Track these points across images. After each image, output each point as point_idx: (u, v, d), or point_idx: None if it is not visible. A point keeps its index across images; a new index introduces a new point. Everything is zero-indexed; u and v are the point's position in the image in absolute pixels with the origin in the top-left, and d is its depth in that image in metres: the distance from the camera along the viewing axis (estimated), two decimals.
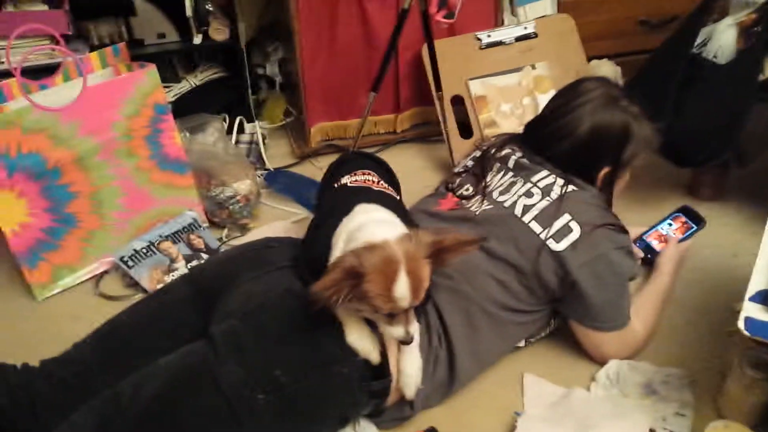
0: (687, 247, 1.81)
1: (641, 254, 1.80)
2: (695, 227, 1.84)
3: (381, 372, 1.30)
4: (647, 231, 1.85)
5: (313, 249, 1.34)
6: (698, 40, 1.88)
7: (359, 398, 1.31)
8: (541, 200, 1.46)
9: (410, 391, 1.33)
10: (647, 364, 1.53)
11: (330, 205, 1.42)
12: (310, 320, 1.24)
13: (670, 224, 1.86)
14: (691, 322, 1.66)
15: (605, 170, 1.53)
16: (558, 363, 1.57)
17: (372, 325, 1.29)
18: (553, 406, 1.45)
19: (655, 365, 1.53)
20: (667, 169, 2.02)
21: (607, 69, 2.54)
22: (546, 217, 1.44)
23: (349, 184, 1.45)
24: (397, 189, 1.57)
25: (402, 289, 1.15)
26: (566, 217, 1.43)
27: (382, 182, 1.49)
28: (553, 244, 1.41)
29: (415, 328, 1.26)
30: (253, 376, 1.22)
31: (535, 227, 1.44)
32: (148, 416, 1.20)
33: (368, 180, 1.47)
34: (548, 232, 1.42)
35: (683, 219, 1.86)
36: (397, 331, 1.22)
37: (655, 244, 1.82)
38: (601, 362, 1.54)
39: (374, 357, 1.27)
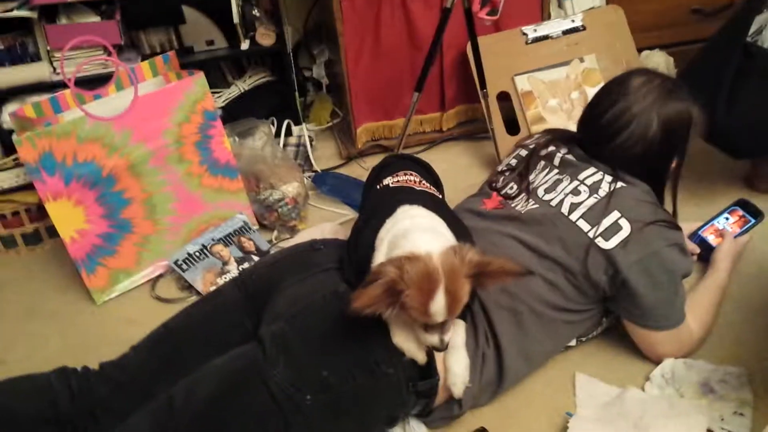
0: (744, 242, 1.75)
1: (697, 250, 1.76)
2: (753, 221, 1.78)
3: (428, 372, 1.31)
4: (703, 226, 1.80)
5: (357, 251, 1.35)
6: (753, 29, 1.83)
7: (407, 398, 1.32)
8: (588, 197, 1.44)
9: (458, 390, 1.33)
10: (704, 362, 1.49)
11: (373, 206, 1.43)
12: (356, 322, 1.23)
13: (727, 218, 1.80)
14: (748, 320, 1.61)
15: (676, 162, 1.49)
16: (611, 362, 1.54)
17: None
18: (606, 406, 1.42)
19: (713, 363, 1.49)
20: (723, 161, 1.96)
21: (659, 59, 2.48)
22: (594, 215, 1.41)
23: (391, 185, 1.46)
24: (440, 189, 1.56)
25: (438, 306, 1.15)
26: (615, 215, 1.40)
27: (424, 182, 1.48)
28: (602, 243, 1.39)
29: (459, 325, 1.27)
30: (301, 378, 1.23)
31: (583, 225, 1.41)
32: (200, 418, 1.23)
33: (410, 180, 1.47)
34: (597, 230, 1.39)
35: (740, 213, 1.81)
36: (431, 339, 1.22)
37: (711, 239, 1.77)
38: (657, 361, 1.50)
39: (420, 357, 1.27)
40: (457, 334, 1.31)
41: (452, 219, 1.38)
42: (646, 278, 1.39)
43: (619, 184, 1.44)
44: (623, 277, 1.38)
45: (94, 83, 1.92)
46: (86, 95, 1.84)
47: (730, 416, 1.36)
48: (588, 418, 1.39)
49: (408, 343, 1.27)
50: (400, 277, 1.13)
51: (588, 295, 1.43)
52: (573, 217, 1.43)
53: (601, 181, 1.45)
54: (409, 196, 1.37)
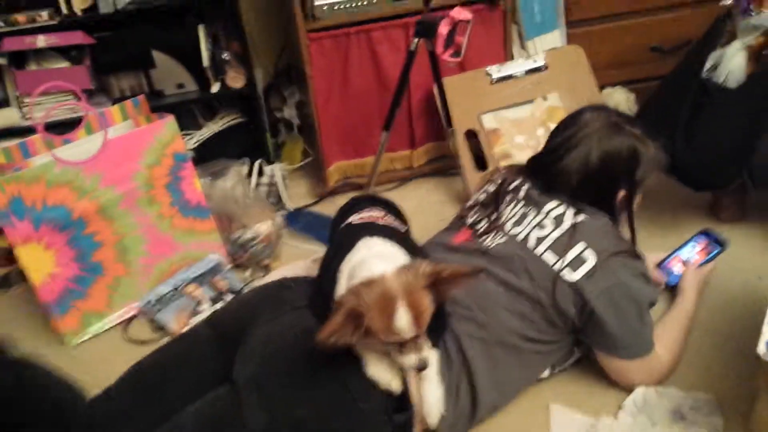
0: (709, 270, 1.79)
1: (663, 279, 1.79)
2: (718, 249, 1.82)
3: (403, 403, 1.31)
4: (668, 256, 1.84)
5: (322, 287, 1.37)
6: (708, 65, 1.89)
7: (385, 431, 1.31)
8: (554, 230, 1.46)
9: (433, 419, 1.33)
10: (675, 389, 1.51)
11: (337, 243, 1.45)
12: (329, 358, 1.24)
13: (692, 248, 1.84)
14: (717, 346, 1.64)
15: (622, 194, 1.53)
16: (584, 392, 1.56)
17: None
18: None
19: (683, 390, 1.51)
20: (686, 192, 2.00)
21: (620, 96, 2.55)
22: (560, 247, 1.44)
23: (354, 222, 1.49)
24: (405, 224, 1.59)
25: (402, 321, 1.17)
26: (581, 246, 1.43)
27: (388, 216, 1.51)
28: (568, 274, 1.41)
29: (432, 355, 1.27)
30: (278, 420, 1.23)
31: (549, 258, 1.44)
32: None
33: (373, 216, 1.50)
34: (563, 262, 1.42)
35: (705, 242, 1.85)
36: (408, 360, 1.23)
37: (677, 269, 1.80)
38: (629, 390, 1.52)
39: (395, 386, 1.28)
40: (430, 364, 1.32)
41: (413, 249, 1.41)
42: (613, 308, 1.41)
43: (582, 216, 1.47)
44: (590, 307, 1.41)
45: (63, 128, 1.92)
46: (55, 140, 1.84)
47: None
48: None
49: (382, 374, 1.28)
50: (357, 303, 1.15)
51: (558, 326, 1.45)
52: (539, 250, 1.45)
53: (564, 213, 1.48)
54: (370, 231, 1.40)
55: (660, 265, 1.82)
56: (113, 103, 2.09)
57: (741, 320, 1.70)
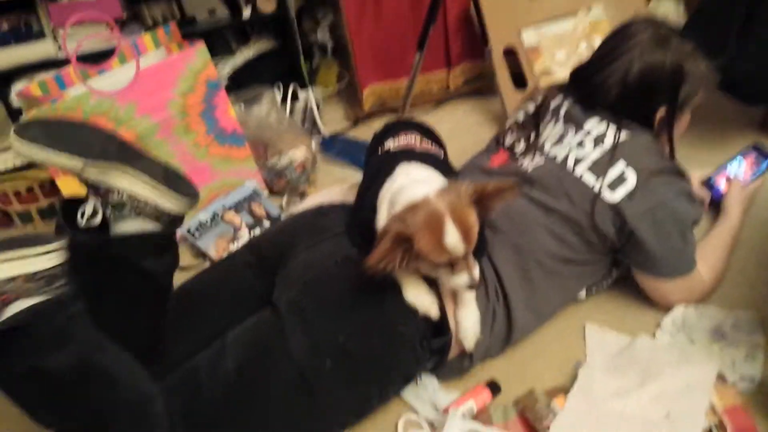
0: (755, 187, 1.73)
1: (707, 197, 1.74)
2: (766, 165, 1.75)
3: (441, 329, 1.32)
4: (716, 171, 1.78)
5: (360, 214, 1.36)
6: None
7: (422, 356, 1.33)
8: (593, 150, 1.42)
9: (470, 344, 1.34)
10: (715, 308, 1.49)
11: (374, 169, 1.43)
12: (368, 285, 1.25)
13: (740, 163, 1.78)
14: (761, 264, 1.60)
15: (662, 112, 1.47)
16: (621, 312, 1.54)
17: (429, 282, 1.30)
18: (617, 355, 1.43)
19: (724, 309, 1.48)
20: (736, 107, 1.92)
21: (669, 7, 2.42)
22: (599, 167, 1.40)
23: (391, 149, 1.46)
24: (443, 149, 1.56)
25: (452, 237, 1.15)
26: (621, 165, 1.38)
27: (425, 142, 1.48)
28: (608, 195, 1.38)
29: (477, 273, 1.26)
30: (320, 345, 1.25)
31: (589, 179, 1.40)
32: (231, 389, 1.24)
33: (410, 141, 1.47)
34: (602, 182, 1.38)
35: (753, 157, 1.78)
36: (462, 278, 1.21)
37: (723, 186, 1.74)
38: (668, 309, 1.50)
39: (434, 312, 1.28)
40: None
41: (450, 174, 1.38)
42: (655, 228, 1.38)
43: (624, 133, 1.42)
44: (631, 228, 1.37)
45: (98, 58, 1.93)
46: (90, 70, 1.85)
47: (742, 361, 1.36)
48: (598, 367, 1.39)
49: (420, 299, 1.28)
50: (404, 226, 1.14)
51: (596, 246, 1.42)
52: (578, 171, 1.42)
53: (605, 131, 1.44)
54: (408, 157, 1.37)
55: (706, 182, 1.76)
56: (146, 32, 2.08)
57: None
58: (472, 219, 1.18)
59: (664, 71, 1.42)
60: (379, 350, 1.28)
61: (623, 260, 1.48)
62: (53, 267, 1.25)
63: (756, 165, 1.76)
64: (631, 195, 1.37)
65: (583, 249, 1.42)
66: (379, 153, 1.49)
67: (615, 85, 1.44)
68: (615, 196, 1.37)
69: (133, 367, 1.25)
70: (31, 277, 1.27)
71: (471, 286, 1.23)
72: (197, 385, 1.25)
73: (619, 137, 1.42)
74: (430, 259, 1.17)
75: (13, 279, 1.20)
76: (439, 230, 1.15)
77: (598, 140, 1.43)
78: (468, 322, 1.33)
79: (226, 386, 1.24)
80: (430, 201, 1.16)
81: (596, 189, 1.39)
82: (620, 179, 1.38)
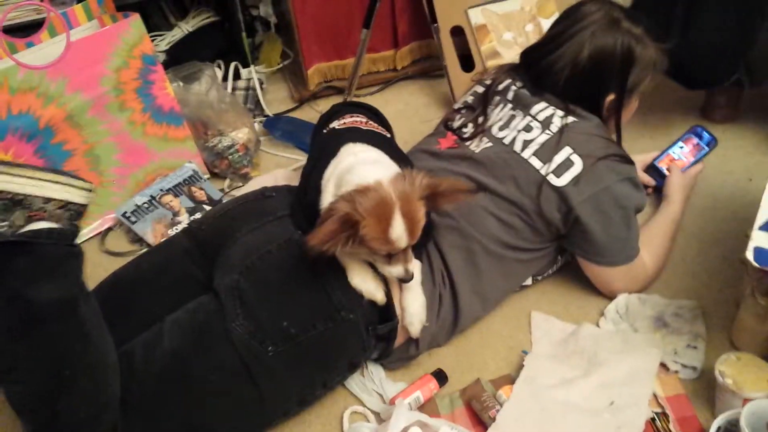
0: (696, 173, 1.75)
1: (652, 182, 1.75)
2: (706, 149, 1.77)
3: (387, 314, 1.30)
4: (658, 156, 1.79)
5: (305, 195, 1.32)
6: None
7: (367, 342, 1.31)
8: (540, 134, 1.41)
9: (415, 329, 1.33)
10: (658, 296, 1.50)
11: (319, 149, 1.39)
12: (312, 268, 1.23)
13: (682, 147, 1.79)
14: (702, 252, 1.62)
15: (611, 97, 1.47)
16: (566, 299, 1.55)
17: (374, 267, 1.27)
18: (562, 343, 1.43)
19: (666, 297, 1.50)
20: (679, 92, 1.94)
21: None
22: (546, 152, 1.39)
23: (337, 128, 1.42)
24: (389, 130, 1.53)
25: (398, 231, 1.14)
26: (567, 150, 1.38)
27: (371, 122, 1.45)
28: (554, 180, 1.37)
29: (415, 265, 1.25)
30: (262, 329, 1.21)
31: (535, 163, 1.39)
32: (165, 373, 1.21)
33: (356, 121, 1.43)
34: (549, 167, 1.37)
35: (695, 140, 1.79)
36: (396, 270, 1.21)
37: (666, 170, 1.76)
38: (611, 297, 1.51)
39: (379, 297, 1.26)
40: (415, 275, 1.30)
41: (398, 155, 1.36)
42: (599, 214, 1.38)
43: (570, 118, 1.41)
44: (576, 214, 1.37)
45: (26, 30, 1.83)
46: (17, 43, 1.74)
47: (684, 349, 1.38)
48: (543, 355, 1.40)
49: (366, 284, 1.26)
50: (354, 209, 1.11)
51: (542, 233, 1.42)
52: (525, 154, 1.40)
53: (552, 116, 1.43)
54: (354, 135, 1.34)
55: (649, 167, 1.78)
56: (77, 3, 1.96)
57: (727, 224, 1.67)
58: (420, 214, 1.17)
59: (614, 55, 1.42)
60: (324, 337, 1.25)
61: (568, 247, 1.48)
62: (83, 204, 1.41)
63: (697, 149, 1.78)
64: (576, 180, 1.36)
65: (529, 235, 1.42)
66: (325, 132, 1.45)
67: (564, 68, 1.43)
68: (561, 181, 1.37)
69: (106, 335, 1.24)
70: (64, 205, 1.42)
71: (404, 280, 1.23)
72: (131, 369, 1.21)
73: (566, 122, 1.41)
74: (371, 247, 1.16)
75: (52, 200, 1.31)
76: (386, 220, 1.13)
77: (545, 124, 1.42)
78: (413, 308, 1.31)
79: (161, 368, 1.21)
80: (382, 186, 1.14)
81: (543, 173, 1.38)
82: (566, 164, 1.37)
